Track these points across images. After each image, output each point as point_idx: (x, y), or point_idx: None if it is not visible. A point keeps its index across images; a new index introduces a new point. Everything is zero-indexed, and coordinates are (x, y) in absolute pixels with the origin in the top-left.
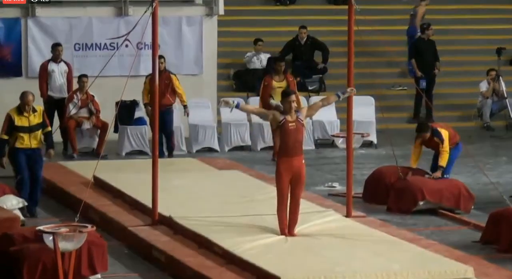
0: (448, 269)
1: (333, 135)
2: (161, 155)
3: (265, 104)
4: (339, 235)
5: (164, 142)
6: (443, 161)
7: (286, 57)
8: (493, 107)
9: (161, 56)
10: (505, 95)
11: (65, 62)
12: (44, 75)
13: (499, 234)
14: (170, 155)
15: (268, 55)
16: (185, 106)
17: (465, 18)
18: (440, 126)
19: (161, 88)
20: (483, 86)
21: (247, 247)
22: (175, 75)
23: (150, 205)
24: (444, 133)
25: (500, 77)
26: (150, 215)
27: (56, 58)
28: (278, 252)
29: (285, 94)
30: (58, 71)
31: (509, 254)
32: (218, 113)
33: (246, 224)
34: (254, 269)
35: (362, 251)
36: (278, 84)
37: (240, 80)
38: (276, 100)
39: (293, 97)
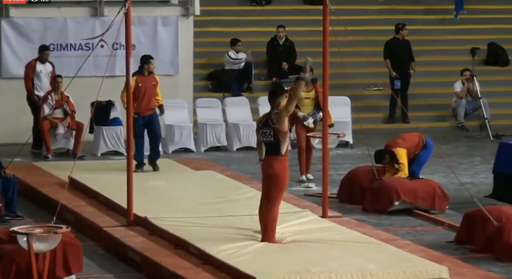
0: (423, 269)
1: (309, 136)
2: (140, 164)
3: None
4: (315, 236)
5: (142, 149)
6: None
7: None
8: (468, 108)
9: (150, 57)
10: (479, 95)
11: (50, 62)
12: (31, 74)
13: (473, 234)
14: (154, 164)
15: (244, 55)
16: (161, 106)
17: (439, 18)
18: (401, 139)
19: (149, 90)
20: (458, 86)
21: (223, 248)
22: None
23: (125, 205)
24: (402, 154)
25: (474, 78)
26: (125, 215)
27: (43, 59)
28: (254, 253)
29: (280, 93)
30: (44, 71)
31: (483, 254)
32: (194, 113)
33: (222, 225)
34: (229, 269)
35: (338, 251)
36: (305, 94)
37: (217, 80)
38: (303, 112)
39: None
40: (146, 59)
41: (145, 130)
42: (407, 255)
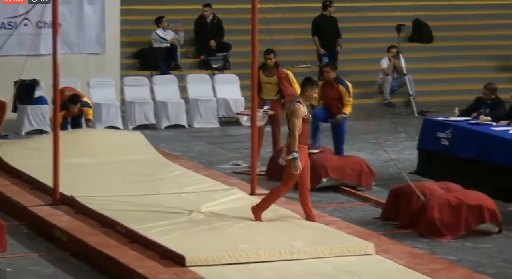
0: (349, 246)
1: (238, 114)
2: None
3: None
4: (244, 213)
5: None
6: (347, 110)
7: (190, 35)
8: (394, 84)
9: None
10: (405, 72)
11: None
12: None
13: (398, 210)
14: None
15: (173, 33)
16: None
17: None
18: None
19: None
20: (384, 63)
21: (151, 226)
22: None
23: (51, 184)
24: (351, 88)
25: (400, 54)
26: (51, 194)
27: None
28: (182, 231)
29: (313, 83)
30: None
31: (407, 229)
32: (122, 92)
33: (150, 203)
34: (157, 247)
35: (266, 228)
36: (267, 79)
37: (144, 58)
38: (265, 96)
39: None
40: None
41: None
42: (334, 231)
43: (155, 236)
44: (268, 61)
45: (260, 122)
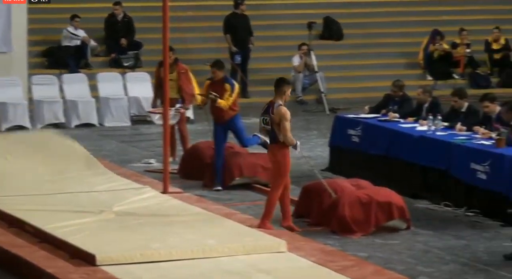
0: (262, 243)
1: (150, 112)
2: None
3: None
4: (156, 212)
5: None
6: (221, 102)
7: (101, 34)
8: (305, 82)
9: None
10: (316, 69)
11: None
12: None
13: (310, 208)
14: None
15: (83, 32)
16: None
17: None
18: None
19: None
20: (295, 60)
21: (61, 225)
22: None
23: None
24: (237, 89)
25: (311, 52)
26: None
27: None
28: (93, 230)
29: (288, 83)
30: None
31: (319, 227)
32: (30, 91)
33: (60, 202)
34: (68, 247)
35: (178, 227)
36: (169, 76)
37: (53, 57)
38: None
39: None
40: None
41: None
42: (246, 229)
43: (65, 235)
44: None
45: (172, 121)
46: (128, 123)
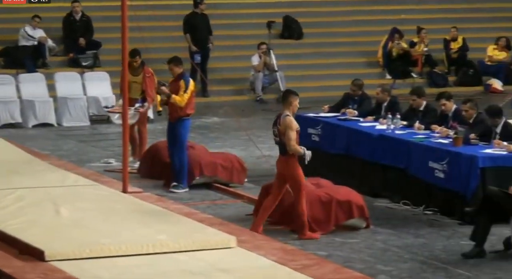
0: (212, 239)
1: (109, 111)
2: None
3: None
4: (108, 208)
5: None
6: (176, 98)
7: (59, 34)
8: (265, 81)
9: None
10: (276, 68)
11: None
12: None
13: None
14: None
15: (41, 31)
16: None
17: None
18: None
19: None
20: (255, 60)
21: (11, 222)
22: None
23: None
24: (192, 86)
25: (271, 51)
26: None
27: None
28: (43, 226)
29: (294, 93)
30: None
31: (280, 226)
32: None
33: (12, 198)
34: (17, 243)
35: (130, 223)
36: (133, 78)
37: (10, 57)
38: (131, 95)
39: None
40: None
41: None
42: (198, 225)
43: (15, 232)
44: (134, 63)
45: (131, 120)
46: (87, 123)
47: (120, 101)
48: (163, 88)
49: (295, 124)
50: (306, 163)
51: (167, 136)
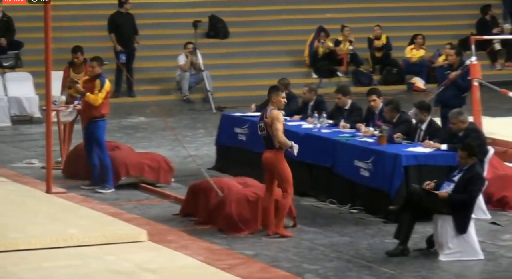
0: (122, 232)
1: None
2: None
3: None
4: (19, 203)
5: None
6: (89, 96)
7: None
8: (191, 80)
9: None
10: (202, 68)
11: None
12: None
13: (197, 206)
14: None
15: None
16: None
17: None
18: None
19: None
20: (181, 59)
21: None
22: None
23: None
24: (108, 87)
25: (197, 50)
26: None
27: None
28: None
29: (277, 89)
30: None
31: (207, 225)
32: None
33: None
34: None
35: (41, 218)
36: (75, 76)
37: None
38: (75, 93)
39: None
40: None
41: None
42: (109, 219)
43: None
44: (76, 60)
45: (69, 118)
46: (9, 124)
47: (63, 98)
48: (78, 86)
49: (282, 117)
50: (295, 154)
51: (83, 136)
